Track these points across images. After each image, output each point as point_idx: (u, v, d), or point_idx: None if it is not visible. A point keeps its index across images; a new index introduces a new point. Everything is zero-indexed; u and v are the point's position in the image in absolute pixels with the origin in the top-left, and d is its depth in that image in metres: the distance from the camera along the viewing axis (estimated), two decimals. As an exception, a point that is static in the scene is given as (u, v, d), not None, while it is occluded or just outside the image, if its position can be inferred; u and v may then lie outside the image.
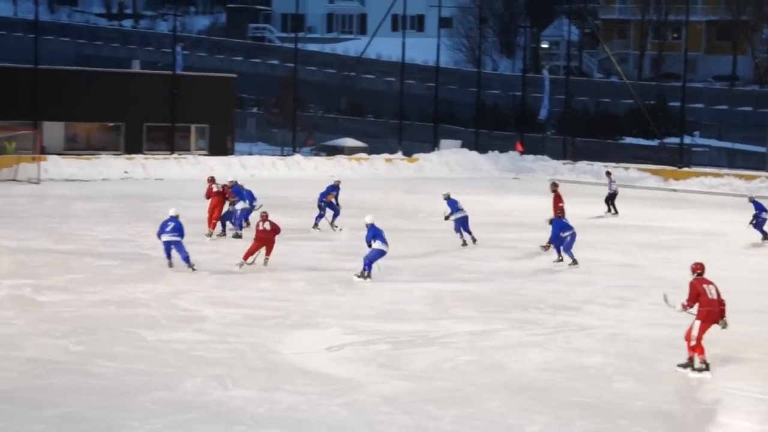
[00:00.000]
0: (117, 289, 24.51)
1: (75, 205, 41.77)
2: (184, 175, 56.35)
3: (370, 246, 26.38)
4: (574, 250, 29.89)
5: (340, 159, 64.95)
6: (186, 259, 26.85)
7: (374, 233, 26.37)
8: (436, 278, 27.68)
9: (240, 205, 33.63)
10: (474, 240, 33.89)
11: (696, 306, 18.55)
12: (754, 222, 37.25)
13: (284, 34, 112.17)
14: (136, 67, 74.11)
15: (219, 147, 63.96)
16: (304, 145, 70.14)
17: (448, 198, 34.17)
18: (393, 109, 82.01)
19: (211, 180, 34.08)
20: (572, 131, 76.43)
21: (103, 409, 15.45)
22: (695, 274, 18.90)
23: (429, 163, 66.79)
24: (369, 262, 26.36)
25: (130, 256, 29.48)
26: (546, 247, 31.90)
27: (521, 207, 47.28)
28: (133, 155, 59.02)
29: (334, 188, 37.02)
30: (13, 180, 50.76)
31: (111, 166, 55.89)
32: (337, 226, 35.96)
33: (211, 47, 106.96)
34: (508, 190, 56.51)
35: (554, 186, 38.27)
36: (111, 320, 21.37)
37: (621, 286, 27.17)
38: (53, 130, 59.51)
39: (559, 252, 30.46)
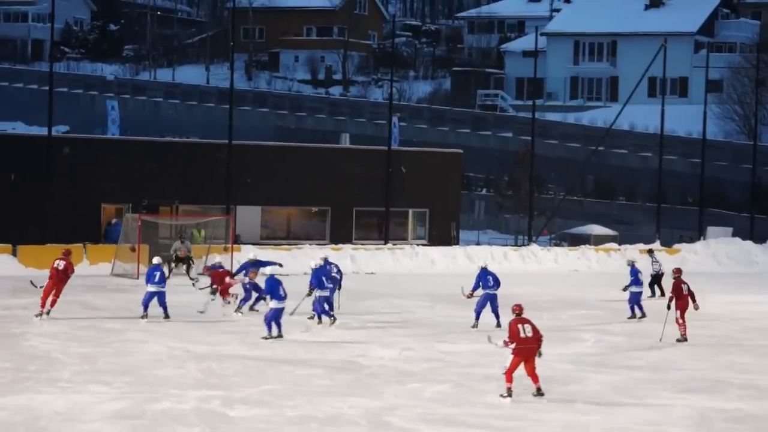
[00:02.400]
0: (320, 403, 24.74)
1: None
2: (399, 269, 56.77)
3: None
4: None
5: (585, 249, 64.43)
6: (165, 308, 33.26)
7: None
8: (701, 393, 27.14)
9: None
10: (498, 324, 35.24)
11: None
12: None
13: (519, 102, 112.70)
14: (345, 142, 75.09)
15: (441, 235, 64.23)
16: (541, 234, 69.94)
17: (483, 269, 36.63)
18: (649, 190, 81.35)
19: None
20: None
21: None
22: (514, 315, 25.20)
23: (693, 254, 65.73)
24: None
25: (335, 363, 29.75)
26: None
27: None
28: (340, 245, 59.63)
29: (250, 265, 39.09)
30: (202, 274, 51.99)
31: (314, 257, 56.57)
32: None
33: (433, 118, 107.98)
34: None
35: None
36: (312, 440, 21.58)
37: None
38: (248, 216, 60.69)
39: None
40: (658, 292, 46.38)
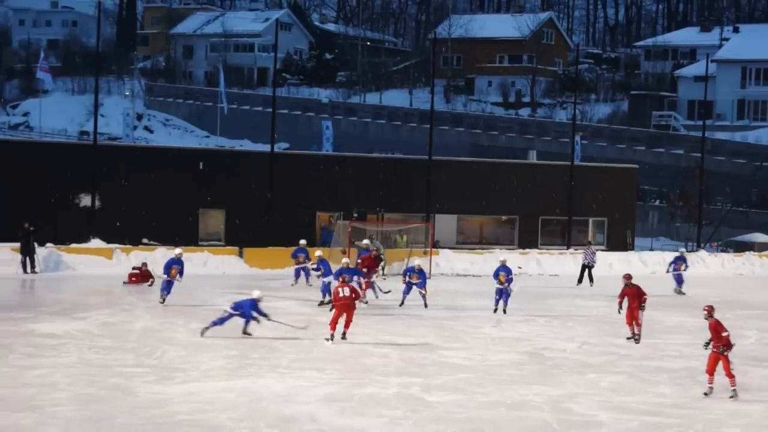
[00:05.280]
0: (508, 390, 24.71)
1: (465, 302, 42.52)
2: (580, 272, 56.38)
3: None
4: None
5: (750, 256, 63.31)
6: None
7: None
8: None
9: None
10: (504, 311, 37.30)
11: None
12: None
13: (690, 122, 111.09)
14: (532, 158, 74.83)
15: (618, 241, 63.71)
16: (708, 246, 68.87)
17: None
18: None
19: None
20: None
21: None
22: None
23: None
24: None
25: (522, 355, 29.69)
26: None
27: None
28: (527, 250, 59.62)
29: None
30: (399, 274, 52.28)
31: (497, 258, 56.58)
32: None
33: (612, 136, 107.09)
34: None
35: None
36: (501, 422, 21.57)
37: None
38: (446, 223, 60.93)
39: None
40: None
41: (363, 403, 22.93)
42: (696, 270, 59.10)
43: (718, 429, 21.53)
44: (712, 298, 44.32)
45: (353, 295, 30.51)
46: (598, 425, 21.40)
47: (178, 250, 38.86)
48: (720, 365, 24.15)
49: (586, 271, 51.08)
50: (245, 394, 23.38)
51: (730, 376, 24.07)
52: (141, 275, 44.79)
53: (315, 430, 20.52)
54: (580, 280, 50.90)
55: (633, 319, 32.12)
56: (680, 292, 47.82)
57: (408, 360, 28.45)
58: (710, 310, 24.51)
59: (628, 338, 32.06)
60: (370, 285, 40.31)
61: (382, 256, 51.40)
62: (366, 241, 52.27)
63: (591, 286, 49.70)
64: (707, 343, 24.48)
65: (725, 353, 24.07)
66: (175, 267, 37.57)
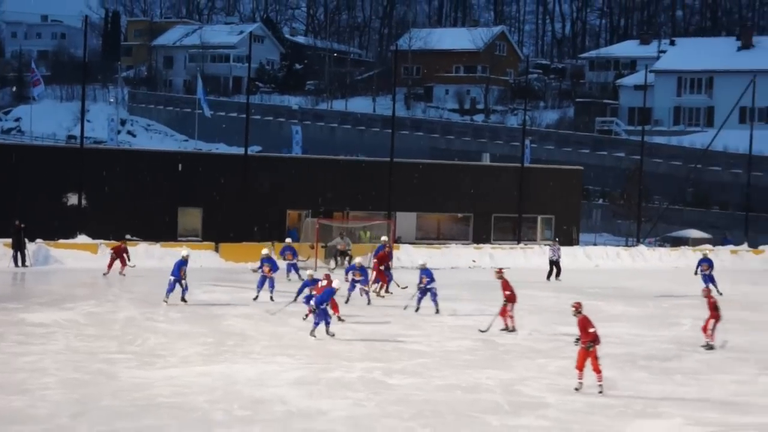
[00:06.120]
0: (463, 374, 24.75)
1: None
2: (529, 265, 56.55)
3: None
4: None
5: (685, 250, 63.63)
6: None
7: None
8: (782, 371, 26.63)
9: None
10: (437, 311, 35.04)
11: None
12: None
13: (631, 127, 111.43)
14: (485, 160, 75.05)
15: (565, 237, 63.86)
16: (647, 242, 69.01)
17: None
18: (739, 200, 79.92)
19: None
20: None
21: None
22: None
23: (777, 254, 64.58)
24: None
25: (476, 341, 29.75)
26: None
27: None
28: (481, 245, 59.71)
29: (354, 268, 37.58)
30: (368, 267, 52.18)
31: (460, 255, 56.68)
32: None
33: (559, 140, 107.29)
34: None
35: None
36: (456, 404, 21.60)
37: None
38: (406, 220, 60.96)
39: None
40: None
41: (329, 386, 22.92)
42: (636, 263, 59.48)
43: (656, 409, 21.63)
44: (651, 289, 44.73)
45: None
46: (546, 406, 21.45)
47: (185, 252, 36.61)
48: (588, 361, 22.75)
49: (554, 266, 50.30)
50: (221, 378, 23.34)
51: (598, 371, 22.62)
52: (116, 251, 44.32)
53: (284, 411, 20.51)
54: (548, 276, 50.07)
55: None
56: (718, 293, 40.07)
57: (370, 347, 28.46)
58: (578, 307, 23.18)
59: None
60: (389, 278, 40.04)
61: (349, 251, 51.61)
62: (338, 239, 52.41)
63: (557, 279, 49.14)
64: (577, 340, 23.24)
65: (591, 349, 22.68)
66: (183, 267, 35.66)
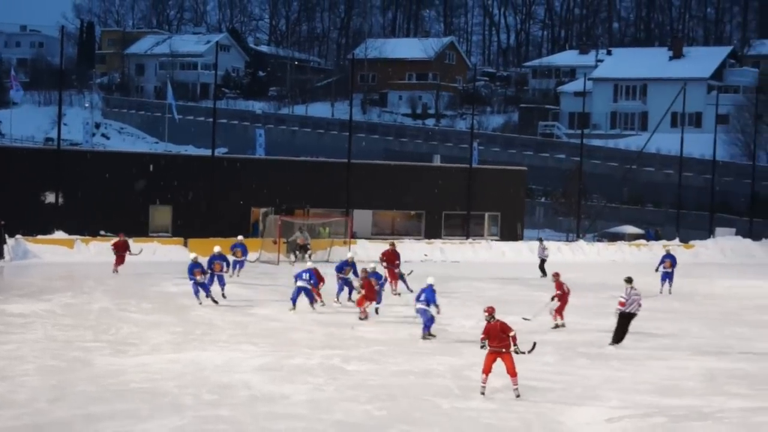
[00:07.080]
0: (416, 360, 24.77)
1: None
2: (477, 259, 56.73)
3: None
4: None
5: (621, 245, 64.00)
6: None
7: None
8: (710, 356, 26.80)
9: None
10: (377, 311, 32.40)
11: None
12: None
13: (571, 131, 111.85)
14: (436, 161, 75.18)
15: (510, 233, 64.12)
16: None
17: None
18: (671, 199, 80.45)
19: None
20: None
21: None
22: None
23: (705, 249, 65.00)
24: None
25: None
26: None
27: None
28: (432, 240, 59.86)
29: (346, 264, 35.90)
30: (327, 261, 52.16)
31: (413, 249, 56.67)
32: (352, 300, 34.48)
33: (504, 143, 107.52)
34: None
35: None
36: (410, 388, 21.60)
37: None
38: (362, 217, 60.96)
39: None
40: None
41: (291, 372, 22.88)
42: (576, 257, 59.74)
43: (594, 392, 21.72)
44: (590, 281, 44.91)
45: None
46: (493, 390, 21.48)
47: (193, 255, 34.42)
48: (499, 363, 20.84)
49: (543, 263, 48.47)
50: (190, 365, 23.25)
51: (514, 374, 20.81)
52: (118, 246, 43.70)
53: (249, 396, 20.45)
54: (544, 273, 46.91)
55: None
56: (669, 292, 41.91)
57: (330, 335, 28.45)
58: (491, 312, 21.32)
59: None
60: (399, 277, 39.08)
61: (308, 245, 51.51)
62: (297, 234, 52.28)
63: (543, 276, 46.81)
64: (483, 346, 21.18)
65: (519, 352, 20.99)
66: (197, 269, 33.23)
